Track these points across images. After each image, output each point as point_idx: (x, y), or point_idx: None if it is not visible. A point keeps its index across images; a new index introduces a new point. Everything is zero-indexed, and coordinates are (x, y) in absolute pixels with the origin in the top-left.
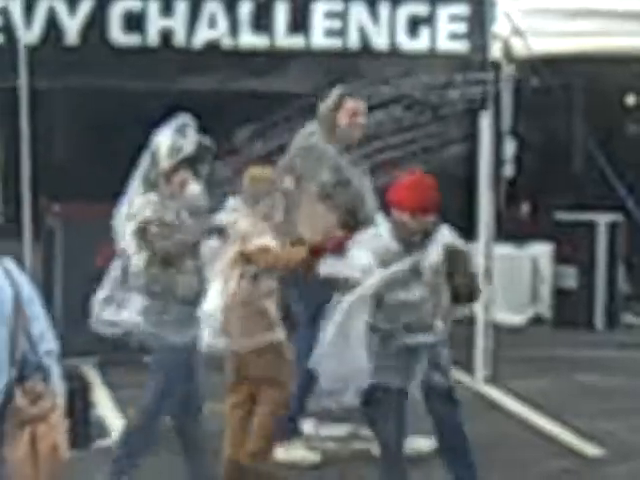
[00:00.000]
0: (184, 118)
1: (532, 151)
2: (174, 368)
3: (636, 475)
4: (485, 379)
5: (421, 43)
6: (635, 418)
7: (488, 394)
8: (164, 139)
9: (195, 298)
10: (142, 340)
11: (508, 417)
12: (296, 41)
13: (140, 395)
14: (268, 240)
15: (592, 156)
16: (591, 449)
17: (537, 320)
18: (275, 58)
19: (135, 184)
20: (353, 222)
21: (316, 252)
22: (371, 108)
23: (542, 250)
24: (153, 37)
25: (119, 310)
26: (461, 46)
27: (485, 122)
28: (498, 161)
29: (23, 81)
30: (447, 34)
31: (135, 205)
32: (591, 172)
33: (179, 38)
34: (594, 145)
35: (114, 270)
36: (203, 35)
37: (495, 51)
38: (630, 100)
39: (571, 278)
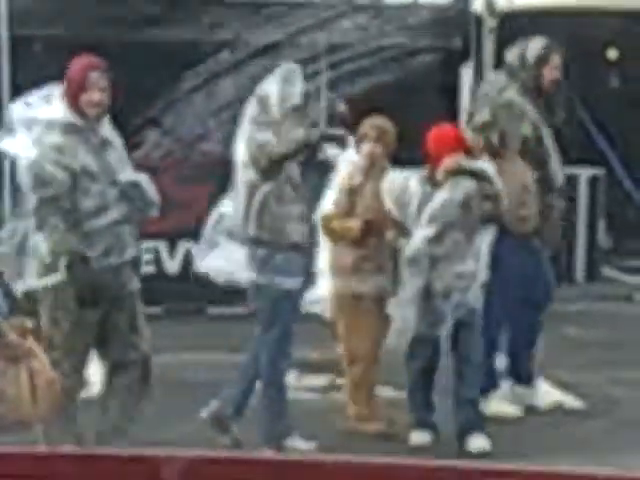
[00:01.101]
0: (291, 66)
1: None
2: (290, 313)
3: (617, 427)
4: None
5: None
6: (615, 370)
7: None
8: (273, 87)
9: (303, 244)
10: (250, 287)
11: None
12: None
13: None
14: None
15: (573, 109)
16: (573, 401)
17: None
18: None
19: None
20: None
21: (368, 229)
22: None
23: None
24: None
25: (218, 257)
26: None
27: (467, 74)
28: None
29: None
30: None
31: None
32: (573, 126)
33: None
34: (575, 98)
35: (213, 217)
36: None
37: (477, 5)
38: (612, 54)
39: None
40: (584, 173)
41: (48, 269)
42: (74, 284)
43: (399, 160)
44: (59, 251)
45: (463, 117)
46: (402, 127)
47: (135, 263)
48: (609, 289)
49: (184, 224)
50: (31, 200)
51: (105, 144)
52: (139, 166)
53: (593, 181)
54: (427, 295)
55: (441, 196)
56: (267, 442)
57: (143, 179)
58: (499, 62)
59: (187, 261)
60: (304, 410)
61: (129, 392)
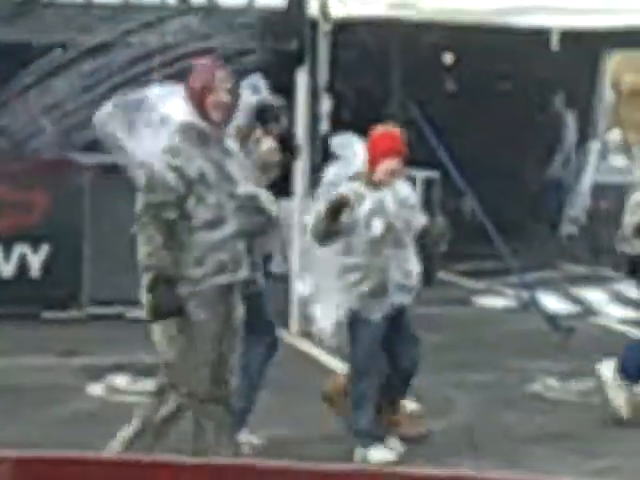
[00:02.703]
0: (255, 77)
1: (348, 107)
2: None
3: (454, 429)
4: (299, 333)
5: None
6: (453, 373)
7: (301, 346)
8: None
9: None
10: None
11: (320, 369)
12: None
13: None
14: None
15: (409, 113)
16: (409, 404)
17: None
18: None
19: None
20: None
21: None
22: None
23: None
24: None
25: None
26: (279, 2)
27: (302, 78)
28: (314, 117)
29: None
30: None
31: None
32: (408, 128)
33: None
34: (411, 102)
35: None
36: None
37: (313, 9)
38: (447, 59)
39: None
40: (419, 175)
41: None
42: (153, 304)
43: None
44: (148, 264)
45: (299, 118)
46: None
47: (247, 285)
48: (446, 293)
49: (20, 227)
50: (139, 202)
51: (227, 152)
52: None
53: (428, 183)
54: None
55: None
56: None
57: (262, 193)
58: (334, 65)
59: (22, 265)
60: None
61: None
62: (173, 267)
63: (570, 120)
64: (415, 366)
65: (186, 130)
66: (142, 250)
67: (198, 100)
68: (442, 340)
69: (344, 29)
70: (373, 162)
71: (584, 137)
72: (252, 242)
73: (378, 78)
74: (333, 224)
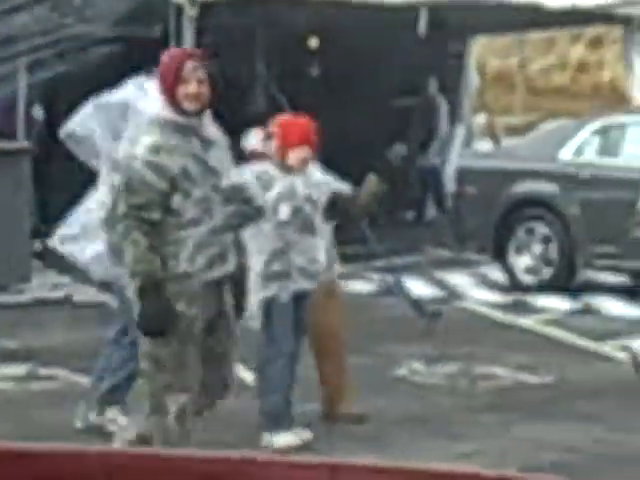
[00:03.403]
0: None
1: (215, 93)
2: None
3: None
4: None
5: None
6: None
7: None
8: None
9: None
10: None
11: None
12: None
13: None
14: None
15: (273, 97)
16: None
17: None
18: None
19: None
20: None
21: None
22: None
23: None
24: None
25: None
26: None
27: None
28: None
29: None
30: None
31: None
32: (272, 113)
33: None
34: (275, 86)
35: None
36: None
37: None
38: (312, 42)
39: None
40: None
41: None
42: (143, 309)
43: None
44: (134, 270)
45: None
46: None
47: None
48: None
49: None
50: (120, 205)
51: (207, 144)
52: None
53: None
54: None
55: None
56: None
57: (250, 183)
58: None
59: None
60: (3, 399)
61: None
62: (160, 269)
63: (443, 105)
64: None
65: (161, 124)
66: (128, 255)
67: (169, 92)
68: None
69: (209, 13)
70: (284, 149)
71: (451, 121)
72: (239, 234)
73: (243, 62)
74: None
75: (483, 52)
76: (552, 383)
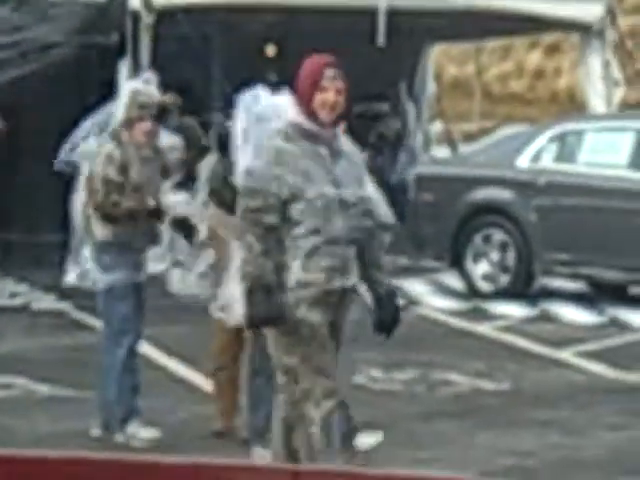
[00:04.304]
0: (148, 74)
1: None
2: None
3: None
4: None
5: None
6: None
7: None
8: (128, 91)
9: None
10: None
11: (147, 364)
12: None
13: None
14: None
15: (230, 105)
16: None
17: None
18: None
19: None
20: None
21: None
22: None
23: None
24: None
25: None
26: None
27: (124, 70)
28: None
29: None
30: None
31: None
32: (229, 120)
33: None
34: (232, 94)
35: None
36: None
37: (135, 1)
38: (270, 50)
39: None
40: None
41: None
42: (252, 314)
43: None
44: (243, 272)
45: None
46: (50, 120)
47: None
48: None
49: None
50: (239, 207)
51: (338, 154)
52: None
53: None
54: None
55: None
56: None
57: (377, 197)
58: (155, 58)
59: None
60: None
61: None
62: (274, 274)
63: (412, 111)
64: None
65: (292, 130)
66: (242, 257)
67: (306, 99)
68: None
69: (166, 21)
70: None
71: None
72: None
73: (200, 69)
74: None
75: (440, 59)
76: (509, 389)
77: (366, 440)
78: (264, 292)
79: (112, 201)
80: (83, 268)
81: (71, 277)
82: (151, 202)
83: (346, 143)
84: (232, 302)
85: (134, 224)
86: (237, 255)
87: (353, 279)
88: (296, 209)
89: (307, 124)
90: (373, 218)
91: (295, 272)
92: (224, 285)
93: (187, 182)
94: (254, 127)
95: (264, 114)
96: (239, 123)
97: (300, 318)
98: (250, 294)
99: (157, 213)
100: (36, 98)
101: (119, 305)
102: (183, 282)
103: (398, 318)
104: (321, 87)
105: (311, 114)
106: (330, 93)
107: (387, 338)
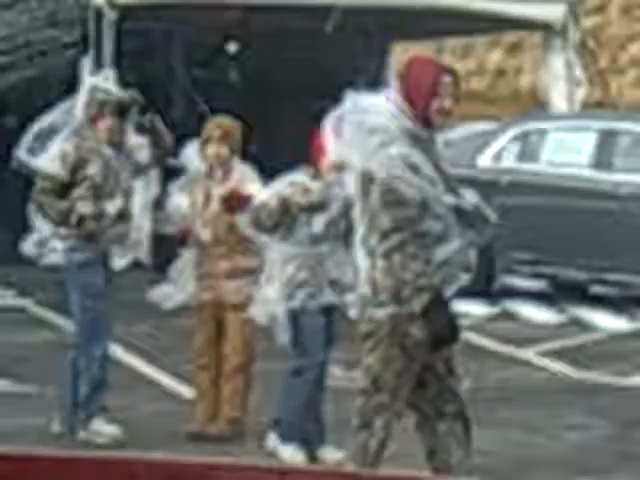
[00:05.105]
0: (107, 71)
1: None
2: None
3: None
4: None
5: None
6: None
7: None
8: (86, 89)
9: None
10: None
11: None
12: None
13: None
14: None
15: (193, 101)
16: (189, 392)
17: (137, 265)
18: None
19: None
20: None
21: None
22: None
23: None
24: None
25: None
26: None
27: (87, 65)
28: None
29: None
30: None
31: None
32: (191, 118)
33: None
34: (194, 91)
35: None
36: None
37: None
38: (231, 48)
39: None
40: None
41: (392, 299)
42: (428, 326)
43: None
44: (419, 285)
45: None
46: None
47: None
48: None
49: None
50: (383, 220)
51: (441, 159)
52: None
53: None
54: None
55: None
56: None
57: (479, 200)
58: (119, 55)
59: None
60: None
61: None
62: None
63: None
64: None
65: (411, 137)
66: (411, 270)
67: (422, 105)
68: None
69: (129, 17)
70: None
71: None
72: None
73: (163, 66)
74: (286, 217)
75: (402, 58)
76: (470, 388)
77: (290, 453)
78: (443, 301)
79: (40, 200)
80: (42, 236)
81: (28, 246)
82: (117, 203)
83: (440, 148)
84: (265, 302)
85: (84, 225)
86: (275, 258)
87: (456, 286)
88: (422, 217)
89: (421, 131)
90: (490, 223)
91: (419, 282)
92: (261, 286)
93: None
94: (359, 135)
95: (370, 123)
96: (347, 133)
97: (406, 331)
98: (433, 307)
99: (124, 214)
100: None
101: (92, 277)
102: (171, 299)
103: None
104: (438, 93)
105: (425, 120)
106: (446, 100)
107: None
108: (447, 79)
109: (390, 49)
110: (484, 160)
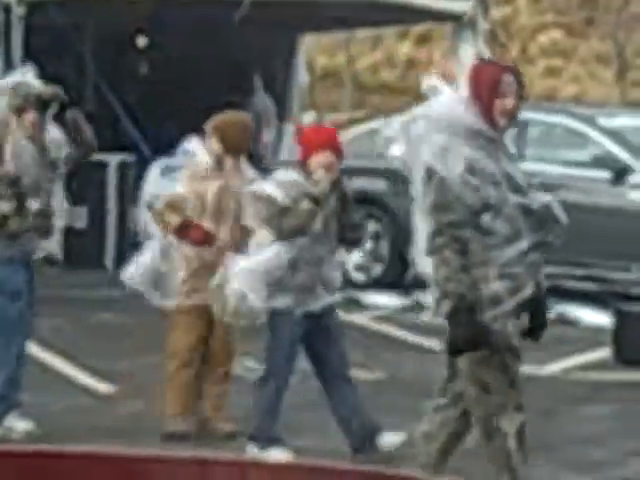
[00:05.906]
0: (26, 65)
1: None
2: None
3: (145, 410)
4: None
5: None
6: (144, 356)
7: None
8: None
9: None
10: None
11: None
12: None
13: None
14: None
15: (103, 96)
16: (104, 387)
17: (48, 260)
18: None
19: None
20: None
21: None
22: None
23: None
24: None
25: None
26: None
27: None
28: None
29: None
30: None
31: None
32: (102, 112)
33: None
34: (105, 86)
35: None
36: None
37: None
38: (141, 41)
39: (81, 218)
40: (113, 159)
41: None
42: (455, 334)
43: None
44: (445, 290)
45: None
46: None
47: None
48: None
49: None
50: (431, 221)
51: (508, 159)
52: None
53: (122, 167)
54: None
55: None
56: None
57: (552, 200)
58: (27, 51)
59: None
60: None
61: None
62: (472, 290)
63: (269, 103)
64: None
65: (476, 137)
66: (440, 274)
67: (486, 105)
68: (132, 323)
69: (37, 12)
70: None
71: (280, 119)
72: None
73: (73, 61)
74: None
75: (311, 49)
76: (385, 379)
77: (390, 439)
78: (468, 312)
79: None
80: None
81: None
82: (36, 202)
83: (506, 147)
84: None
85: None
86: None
87: (532, 287)
88: (487, 219)
89: (488, 131)
90: (559, 223)
91: (491, 285)
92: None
93: None
94: (429, 130)
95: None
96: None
97: (496, 331)
98: (454, 314)
99: (44, 212)
100: None
101: (9, 274)
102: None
103: (546, 323)
104: (501, 93)
105: (490, 119)
106: (510, 99)
107: (536, 341)
108: (509, 78)
109: (300, 40)
110: (395, 150)
